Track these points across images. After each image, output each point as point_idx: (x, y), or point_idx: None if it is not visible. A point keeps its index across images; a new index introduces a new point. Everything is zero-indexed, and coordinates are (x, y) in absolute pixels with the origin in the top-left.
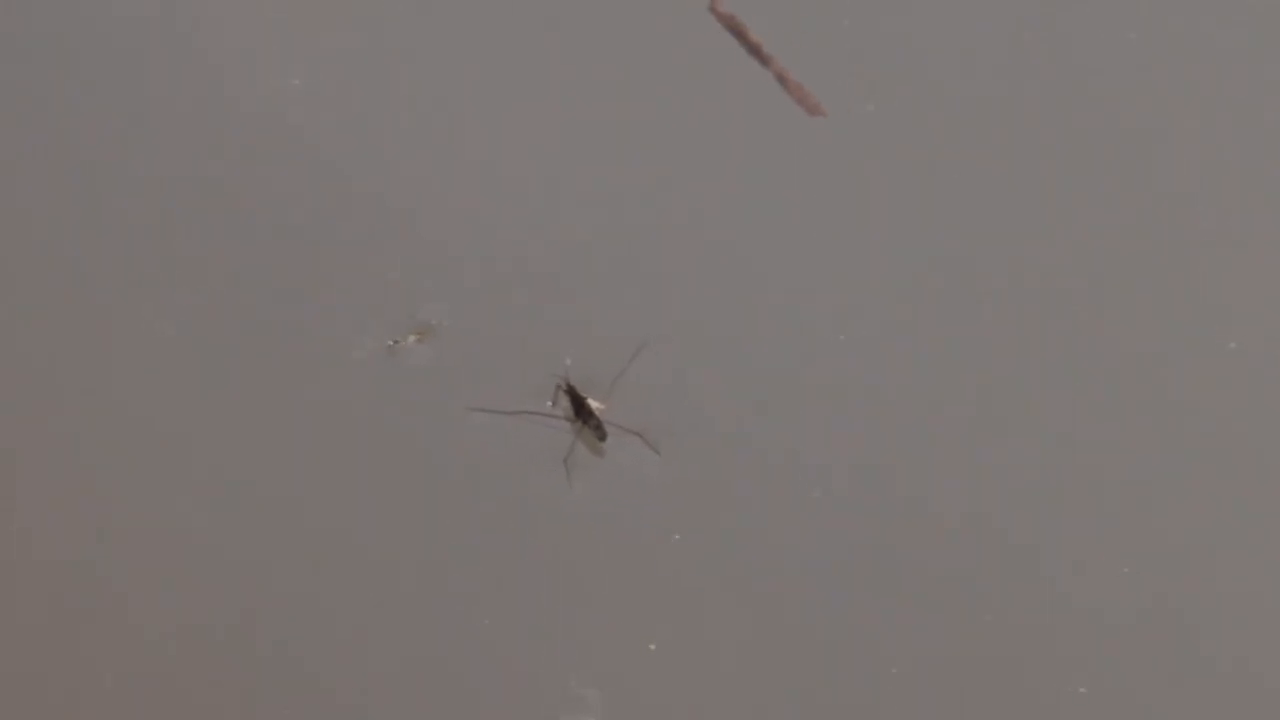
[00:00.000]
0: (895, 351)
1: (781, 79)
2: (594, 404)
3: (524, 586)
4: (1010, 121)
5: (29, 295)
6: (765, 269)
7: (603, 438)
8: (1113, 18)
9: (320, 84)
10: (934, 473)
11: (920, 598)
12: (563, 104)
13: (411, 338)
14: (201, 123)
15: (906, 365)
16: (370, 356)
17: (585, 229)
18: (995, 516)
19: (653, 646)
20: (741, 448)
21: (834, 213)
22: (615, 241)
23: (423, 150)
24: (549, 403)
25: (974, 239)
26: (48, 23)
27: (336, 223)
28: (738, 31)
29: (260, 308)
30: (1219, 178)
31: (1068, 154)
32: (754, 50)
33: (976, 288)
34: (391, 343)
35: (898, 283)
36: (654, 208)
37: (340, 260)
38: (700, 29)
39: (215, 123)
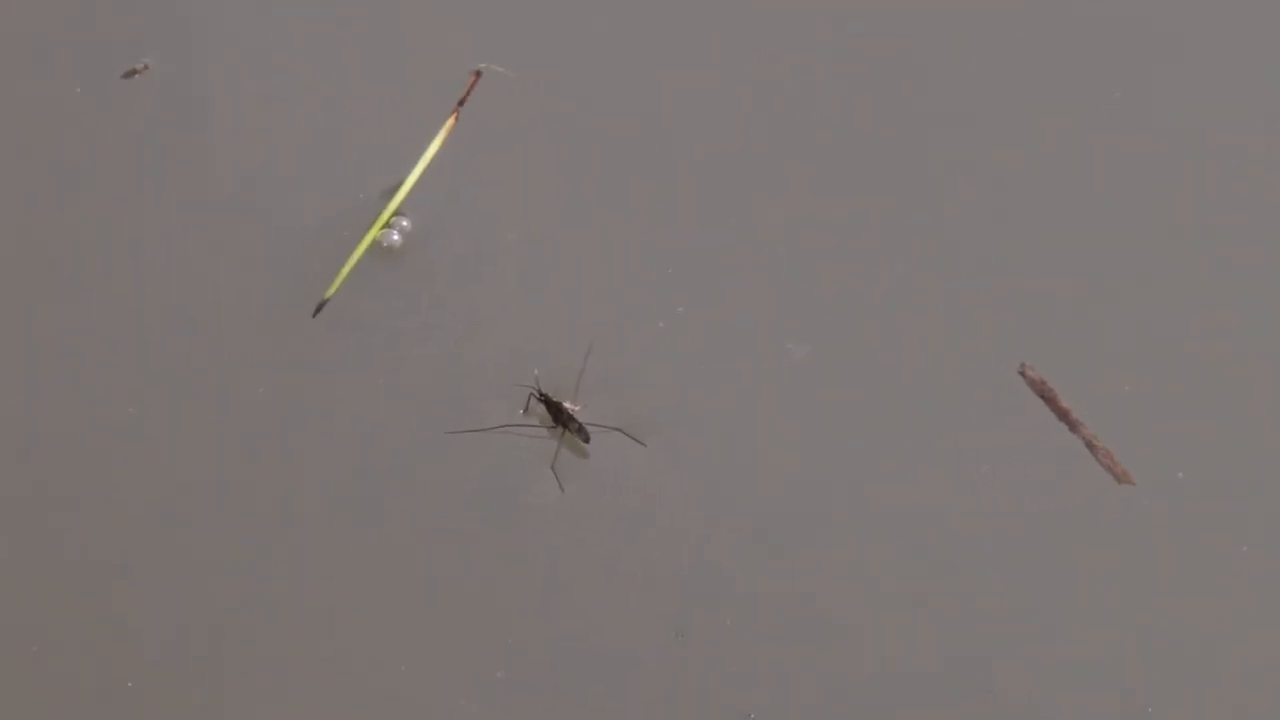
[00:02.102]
0: None
1: (1090, 445)
2: (569, 406)
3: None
4: None
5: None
6: (1064, 632)
7: (586, 439)
8: None
9: None
10: None
11: None
12: (881, 445)
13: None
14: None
15: None
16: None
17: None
18: None
19: None
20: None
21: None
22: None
23: None
24: (520, 411)
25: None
26: None
27: None
28: (1047, 396)
29: None
30: None
31: None
32: (1063, 415)
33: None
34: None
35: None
36: (965, 584)
37: None
38: (1010, 392)
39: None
